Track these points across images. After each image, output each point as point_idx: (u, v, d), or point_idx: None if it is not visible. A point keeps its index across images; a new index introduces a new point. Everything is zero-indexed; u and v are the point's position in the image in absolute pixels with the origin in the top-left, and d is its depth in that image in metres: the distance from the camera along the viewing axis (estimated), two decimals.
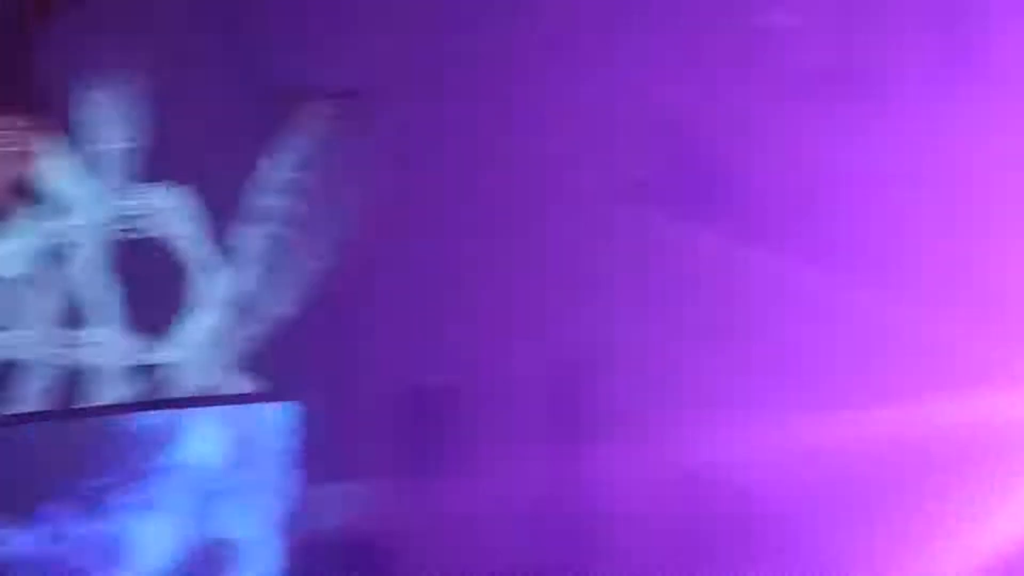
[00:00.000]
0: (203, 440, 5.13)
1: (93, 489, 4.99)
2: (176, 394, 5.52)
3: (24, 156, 5.50)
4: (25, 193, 5.50)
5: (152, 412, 5.08)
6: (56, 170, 5.56)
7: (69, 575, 4.97)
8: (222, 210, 5.59)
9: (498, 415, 5.78)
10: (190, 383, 5.61)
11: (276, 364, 5.69)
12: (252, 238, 5.66)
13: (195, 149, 5.49)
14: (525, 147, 5.70)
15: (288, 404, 5.19)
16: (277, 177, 5.67)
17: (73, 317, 5.55)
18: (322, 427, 5.47)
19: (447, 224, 5.75)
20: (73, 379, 5.59)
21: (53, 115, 5.49)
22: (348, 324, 5.81)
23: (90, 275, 5.57)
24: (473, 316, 5.74)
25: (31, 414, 5.35)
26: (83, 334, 5.60)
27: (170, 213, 5.61)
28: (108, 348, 5.60)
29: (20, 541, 4.92)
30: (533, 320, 5.75)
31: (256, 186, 5.64)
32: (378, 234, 5.78)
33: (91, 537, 4.99)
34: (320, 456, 5.42)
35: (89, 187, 5.58)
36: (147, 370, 5.58)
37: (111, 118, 5.52)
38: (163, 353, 5.66)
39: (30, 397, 5.55)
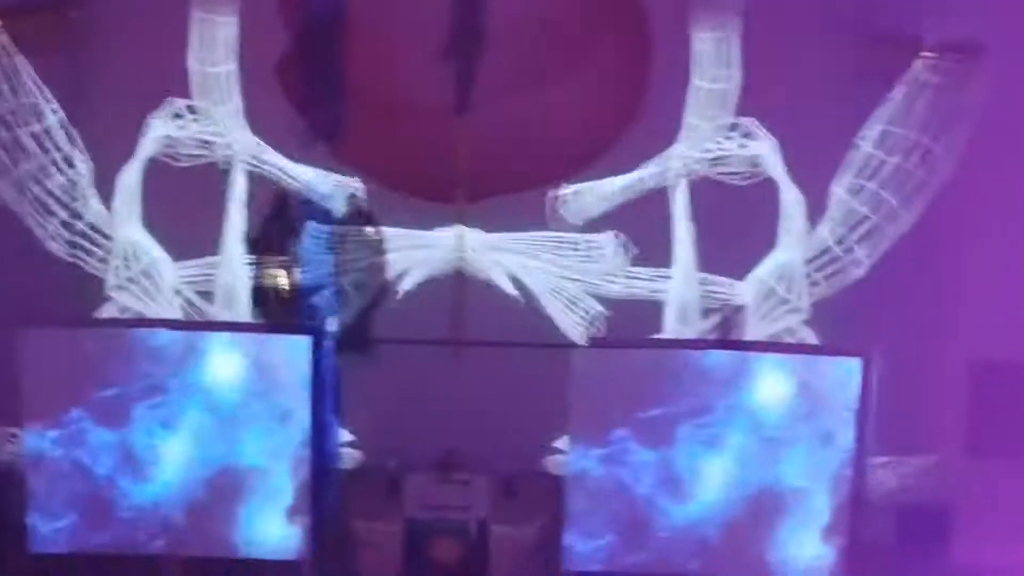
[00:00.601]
0: (769, 385, 5.13)
1: (657, 418, 5.13)
2: (745, 337, 5.54)
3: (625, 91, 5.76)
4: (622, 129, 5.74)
5: (721, 352, 5.15)
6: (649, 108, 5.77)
7: (631, 499, 5.14)
8: (813, 157, 5.54)
9: None
10: (758, 327, 5.63)
11: (846, 319, 5.60)
12: (842, 188, 5.60)
13: (792, 94, 5.47)
14: None
15: (856, 361, 5.10)
16: (873, 129, 5.55)
17: (652, 253, 5.76)
18: (888, 389, 5.39)
19: None
20: (647, 312, 5.78)
21: (651, 54, 5.67)
22: (925, 289, 5.62)
23: (679, 211, 5.72)
24: None
25: (601, 341, 5.57)
26: (669, 268, 5.77)
27: (762, 156, 5.63)
28: (684, 284, 5.73)
29: (586, 459, 5.14)
30: None
31: (850, 136, 5.54)
32: (966, 198, 5.56)
33: (654, 464, 5.14)
34: (882, 417, 5.32)
35: (688, 125, 5.71)
36: (719, 310, 5.65)
37: (713, 59, 5.60)
38: (736, 294, 5.74)
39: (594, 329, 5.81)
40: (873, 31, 5.46)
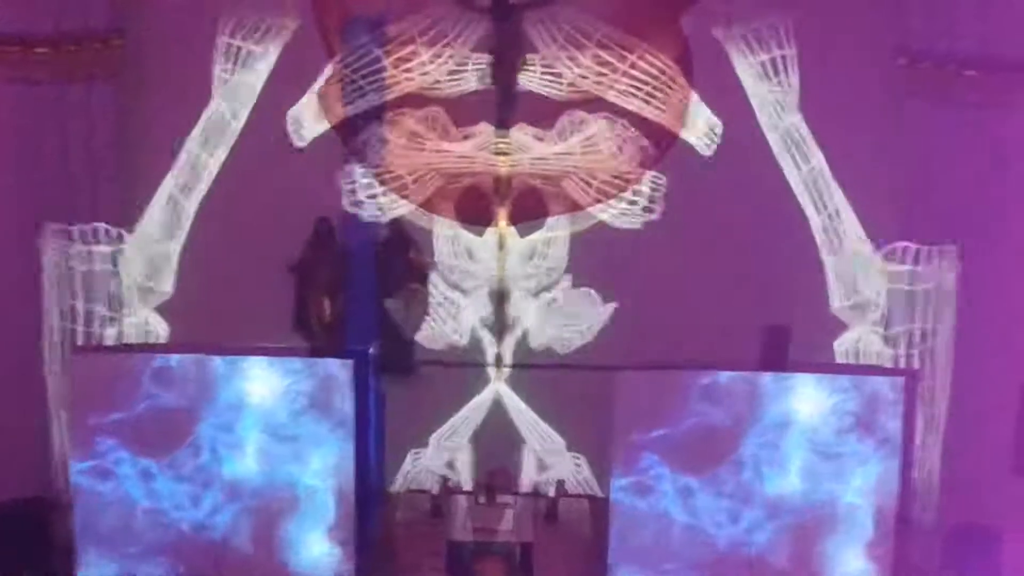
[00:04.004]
0: (814, 405, 5.10)
1: (701, 441, 5.09)
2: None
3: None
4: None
5: (766, 373, 5.11)
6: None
7: (673, 523, 5.13)
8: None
9: None
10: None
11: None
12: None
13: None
14: None
15: (899, 380, 5.08)
16: (903, 150, 5.55)
17: None
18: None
19: None
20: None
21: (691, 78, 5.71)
22: (974, 311, 5.57)
23: None
24: None
25: (644, 364, 5.53)
26: None
27: None
28: None
29: (628, 483, 5.12)
30: None
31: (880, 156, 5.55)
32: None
33: (698, 488, 5.12)
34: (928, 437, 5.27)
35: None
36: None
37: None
38: None
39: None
40: (909, 46, 5.44)
